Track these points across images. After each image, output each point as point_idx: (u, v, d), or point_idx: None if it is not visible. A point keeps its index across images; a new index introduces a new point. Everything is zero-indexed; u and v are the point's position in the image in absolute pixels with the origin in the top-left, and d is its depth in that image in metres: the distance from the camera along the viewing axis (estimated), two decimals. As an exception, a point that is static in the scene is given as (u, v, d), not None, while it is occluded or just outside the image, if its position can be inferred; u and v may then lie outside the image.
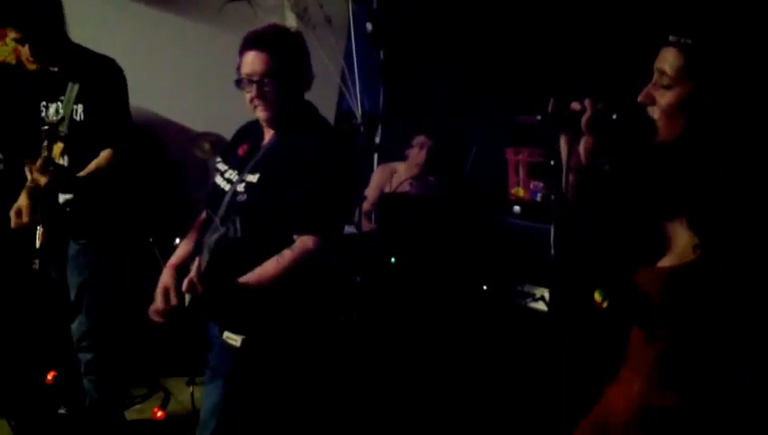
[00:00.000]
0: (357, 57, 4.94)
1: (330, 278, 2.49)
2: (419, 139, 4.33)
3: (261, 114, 2.38)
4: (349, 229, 3.95)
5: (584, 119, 1.61)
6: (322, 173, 2.30)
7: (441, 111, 4.69)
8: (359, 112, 4.85)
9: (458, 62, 4.60)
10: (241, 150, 2.51)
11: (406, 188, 4.25)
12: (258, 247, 2.29)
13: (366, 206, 4.36)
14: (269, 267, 2.26)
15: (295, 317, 2.36)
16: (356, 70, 4.91)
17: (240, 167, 2.42)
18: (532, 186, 3.74)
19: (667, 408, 1.66)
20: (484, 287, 3.57)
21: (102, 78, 3.01)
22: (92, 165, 2.96)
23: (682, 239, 1.62)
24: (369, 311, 3.64)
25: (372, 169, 4.74)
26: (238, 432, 2.45)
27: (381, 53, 4.81)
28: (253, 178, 2.35)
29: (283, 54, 2.34)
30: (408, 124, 4.56)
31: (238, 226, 2.32)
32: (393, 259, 3.78)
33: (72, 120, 2.96)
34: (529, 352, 3.15)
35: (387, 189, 4.36)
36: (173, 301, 2.35)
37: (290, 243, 2.31)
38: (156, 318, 2.38)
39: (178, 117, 4.88)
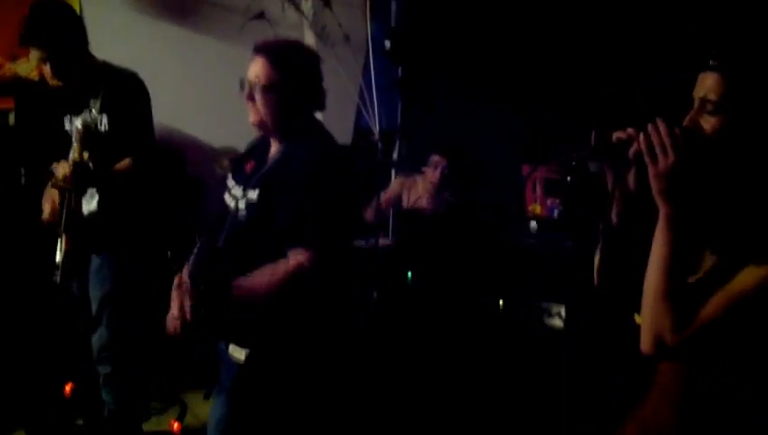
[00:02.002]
0: (375, 74, 4.97)
1: (335, 293, 2.48)
2: (434, 158, 4.35)
3: (251, 118, 2.39)
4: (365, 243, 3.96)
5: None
6: (319, 189, 2.29)
7: (458, 129, 4.70)
8: (376, 129, 4.87)
9: (476, 79, 4.63)
10: (248, 166, 2.52)
11: (422, 204, 4.27)
12: (256, 265, 2.29)
13: (382, 222, 4.37)
14: (261, 276, 2.25)
15: (298, 332, 2.35)
16: (374, 87, 4.93)
17: (245, 183, 2.43)
18: (549, 202, 3.76)
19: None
20: (501, 303, 3.57)
21: (126, 90, 3.06)
22: (114, 167, 3.01)
23: (708, 257, 1.61)
24: (380, 324, 3.64)
25: (389, 186, 4.76)
26: None
27: (399, 70, 4.84)
28: (253, 195, 2.35)
29: (289, 66, 2.35)
30: (425, 141, 4.57)
31: (238, 243, 2.34)
32: (409, 274, 3.79)
33: (96, 128, 3.00)
34: (545, 368, 3.15)
35: (404, 202, 4.37)
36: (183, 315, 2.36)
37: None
38: (170, 327, 2.40)
39: (199, 133, 4.92)
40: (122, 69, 3.11)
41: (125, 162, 3.03)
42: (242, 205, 2.39)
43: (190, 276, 2.24)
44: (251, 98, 2.37)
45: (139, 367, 3.35)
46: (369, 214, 4.27)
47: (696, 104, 1.59)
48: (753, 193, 1.57)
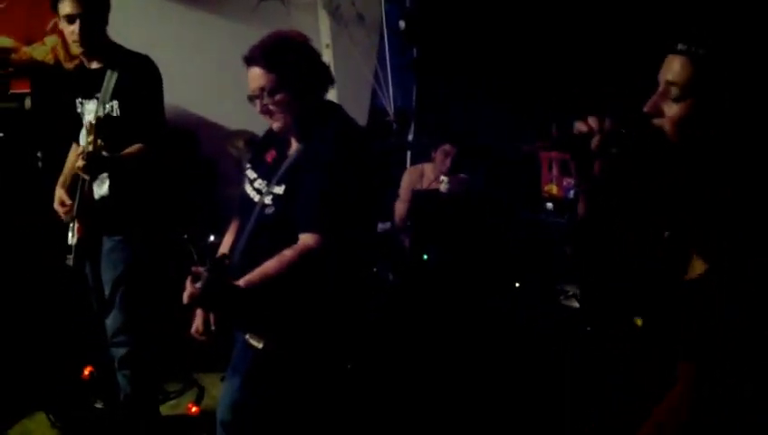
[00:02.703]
0: (390, 54, 4.95)
1: (350, 277, 2.47)
2: (444, 147, 4.33)
3: (275, 126, 2.40)
4: (383, 226, 3.97)
5: (594, 142, 1.53)
6: (330, 173, 2.28)
7: (472, 110, 4.68)
8: (391, 109, 4.85)
9: (490, 60, 4.59)
10: (269, 157, 2.51)
11: (436, 186, 4.26)
12: (268, 247, 2.29)
13: (399, 207, 4.37)
14: (269, 265, 2.24)
15: (313, 317, 2.35)
16: (389, 67, 4.91)
17: (268, 176, 2.43)
18: (565, 183, 3.73)
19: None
20: (517, 284, 3.56)
21: (138, 75, 3.05)
22: (125, 151, 3.00)
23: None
24: (396, 307, 3.64)
25: (405, 166, 4.75)
26: (250, 430, 2.48)
27: (414, 50, 4.82)
28: (279, 190, 2.35)
29: (281, 67, 2.32)
30: (439, 122, 4.56)
31: (266, 240, 2.33)
32: (426, 256, 3.79)
33: (108, 115, 3.00)
34: (561, 350, 3.14)
35: (416, 189, 4.37)
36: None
37: None
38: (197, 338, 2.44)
39: (213, 115, 4.92)
40: (135, 53, 3.10)
41: (136, 148, 3.02)
42: (268, 200, 2.38)
43: (204, 298, 2.24)
44: (265, 111, 2.37)
45: (153, 350, 3.36)
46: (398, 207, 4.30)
47: (661, 88, 1.54)
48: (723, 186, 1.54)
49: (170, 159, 3.23)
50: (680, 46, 1.50)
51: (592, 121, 1.55)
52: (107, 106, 3.01)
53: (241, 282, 2.20)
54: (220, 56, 4.80)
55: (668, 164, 1.56)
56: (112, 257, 3.17)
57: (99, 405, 3.55)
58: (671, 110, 1.51)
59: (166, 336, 3.51)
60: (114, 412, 3.42)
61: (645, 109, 1.54)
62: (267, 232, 2.37)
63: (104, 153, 2.94)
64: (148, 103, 3.07)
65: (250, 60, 2.37)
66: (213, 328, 2.37)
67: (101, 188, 3.10)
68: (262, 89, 2.33)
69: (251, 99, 2.37)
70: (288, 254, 2.24)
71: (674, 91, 1.50)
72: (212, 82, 4.74)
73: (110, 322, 3.22)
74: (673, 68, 1.51)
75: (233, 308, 2.24)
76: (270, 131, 2.58)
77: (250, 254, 2.37)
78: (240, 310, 2.26)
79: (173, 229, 3.41)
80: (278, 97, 2.33)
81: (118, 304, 3.19)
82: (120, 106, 3.02)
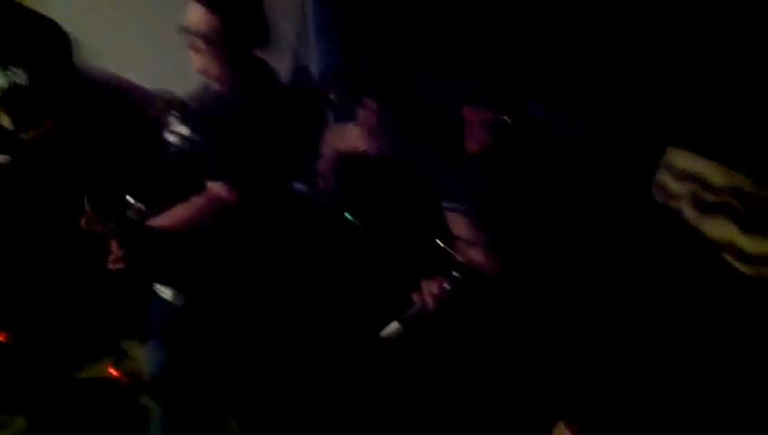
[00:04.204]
0: (313, 13, 4.89)
1: (267, 234, 2.46)
2: (369, 102, 4.31)
3: (196, 65, 2.37)
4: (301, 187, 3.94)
5: None
6: (245, 125, 2.27)
7: (399, 71, 4.66)
8: (315, 70, 4.80)
9: (418, 17, 4.58)
10: (194, 106, 2.51)
11: (359, 146, 4.23)
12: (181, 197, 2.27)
13: (321, 165, 4.33)
14: (177, 210, 2.23)
15: (227, 272, 2.34)
16: (311, 26, 4.85)
17: (185, 121, 2.42)
18: (488, 143, 3.75)
19: None
20: (440, 244, 3.58)
21: (45, 43, 2.94)
22: (34, 132, 2.91)
23: None
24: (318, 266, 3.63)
25: (328, 127, 4.72)
26: (177, 386, 2.47)
27: (336, 9, 4.77)
28: (189, 132, 2.34)
29: (224, 10, 2.30)
30: (363, 82, 4.53)
31: (172, 179, 2.31)
32: (349, 216, 3.77)
33: (15, 85, 2.89)
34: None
35: (340, 149, 4.34)
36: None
37: None
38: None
39: (134, 76, 4.81)
40: (44, 17, 2.98)
41: (45, 126, 2.93)
42: (177, 140, 2.37)
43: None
44: (194, 47, 2.33)
45: (71, 314, 3.30)
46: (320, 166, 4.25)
47: None
48: None
49: (85, 126, 3.14)
50: None
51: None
52: (12, 77, 2.90)
53: (149, 224, 2.18)
54: (142, 15, 4.71)
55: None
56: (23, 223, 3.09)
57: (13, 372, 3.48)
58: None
59: (84, 302, 3.46)
60: (29, 378, 3.36)
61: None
62: (175, 173, 2.36)
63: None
64: (58, 72, 2.96)
65: None
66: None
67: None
68: (197, 25, 2.30)
69: (184, 31, 2.33)
70: (197, 201, 2.23)
71: None
72: (132, 42, 4.63)
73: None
74: None
75: (143, 244, 2.20)
76: (199, 85, 2.56)
77: (159, 192, 2.35)
78: (149, 248, 2.22)
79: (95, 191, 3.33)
80: (211, 37, 2.30)
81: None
82: (27, 76, 2.90)
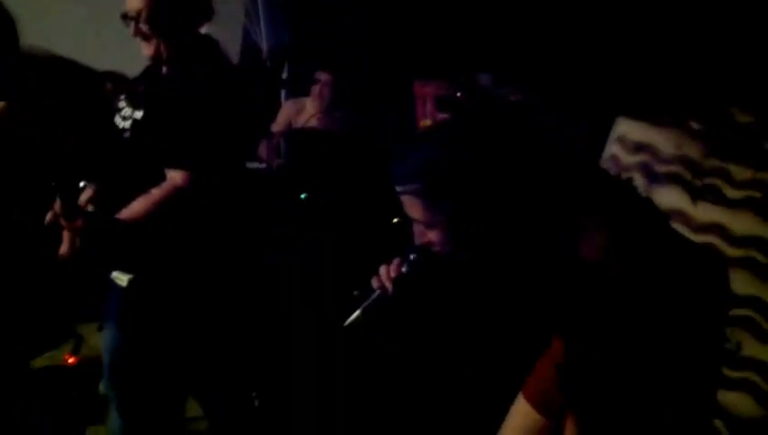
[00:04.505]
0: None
1: (223, 215, 2.45)
2: (321, 75, 4.29)
3: (145, 52, 2.34)
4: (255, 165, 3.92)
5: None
6: (199, 108, 2.25)
7: (348, 46, 4.65)
8: (264, 48, 4.76)
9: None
10: (141, 88, 2.47)
11: (313, 123, 4.22)
12: (138, 185, 2.25)
13: (273, 143, 4.31)
14: (136, 205, 2.21)
15: (182, 255, 2.33)
16: (260, 3, 4.80)
17: (134, 103, 2.39)
18: (439, 118, 3.77)
19: None
20: (395, 220, 3.59)
21: None
22: None
23: None
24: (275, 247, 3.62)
25: (280, 106, 4.69)
26: (129, 372, 2.46)
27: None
28: (138, 114, 2.31)
29: None
30: (314, 59, 4.51)
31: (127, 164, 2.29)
32: (303, 195, 3.77)
33: None
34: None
35: (294, 125, 4.32)
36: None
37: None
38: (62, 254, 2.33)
39: (80, 57, 4.72)
40: None
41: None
42: (127, 124, 2.34)
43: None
44: (138, 33, 2.29)
45: (25, 301, 3.25)
46: (264, 147, 4.22)
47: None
48: None
49: (35, 109, 3.08)
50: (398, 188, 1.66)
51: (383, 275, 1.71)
52: None
53: (109, 221, 2.16)
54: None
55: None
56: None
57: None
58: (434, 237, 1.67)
59: (40, 289, 3.41)
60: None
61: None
62: (126, 156, 2.34)
63: None
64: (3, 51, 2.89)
65: None
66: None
67: None
68: (138, 12, 2.26)
69: (125, 18, 2.30)
70: (156, 193, 2.21)
71: (419, 225, 1.68)
72: (78, 22, 4.55)
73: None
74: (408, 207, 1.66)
75: (99, 233, 2.17)
76: (147, 67, 2.52)
77: (110, 177, 2.34)
78: (106, 244, 2.20)
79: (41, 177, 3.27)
80: (153, 21, 2.26)
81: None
82: None
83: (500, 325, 1.83)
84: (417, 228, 1.71)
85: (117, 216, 2.18)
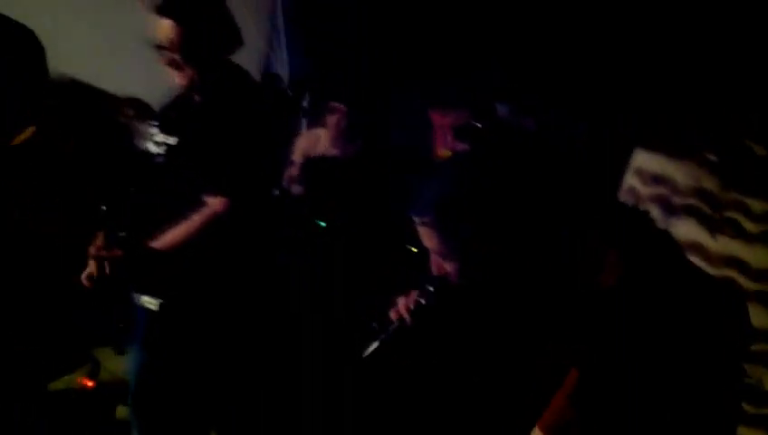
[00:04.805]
0: (283, 18, 4.88)
1: (252, 241, 2.47)
2: (333, 105, 4.32)
3: (178, 81, 2.37)
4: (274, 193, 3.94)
5: None
6: (234, 133, 2.27)
7: (365, 75, 4.68)
8: (286, 76, 4.80)
9: (385, 25, 4.59)
10: (173, 114, 2.50)
11: (331, 151, 4.24)
12: (174, 210, 2.28)
13: (293, 172, 4.34)
14: (178, 232, 2.23)
15: (212, 279, 2.35)
16: (282, 32, 4.85)
17: (167, 130, 2.41)
18: (458, 148, 3.77)
19: None
20: (414, 250, 3.60)
21: (17, 49, 2.92)
22: (19, 139, 2.89)
23: None
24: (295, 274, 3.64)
25: (300, 134, 4.71)
26: (155, 396, 2.47)
27: (308, 16, 4.77)
28: (172, 140, 2.34)
29: (191, 20, 2.30)
30: (333, 88, 4.53)
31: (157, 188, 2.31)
32: (322, 223, 3.78)
33: None
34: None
35: (311, 154, 4.35)
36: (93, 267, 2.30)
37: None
38: (85, 283, 2.35)
39: (101, 82, 4.78)
40: (13, 21, 2.96)
41: (25, 134, 2.91)
42: (161, 150, 2.37)
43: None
44: (170, 63, 2.33)
45: (43, 325, 3.28)
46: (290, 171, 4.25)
47: None
48: None
49: (61, 134, 3.12)
50: None
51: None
52: None
53: (150, 246, 2.18)
54: (110, 20, 4.68)
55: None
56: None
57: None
58: None
59: (59, 312, 3.44)
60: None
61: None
62: (160, 180, 2.36)
63: None
64: (32, 79, 2.94)
65: (158, 9, 2.33)
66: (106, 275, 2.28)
67: None
68: (169, 41, 2.30)
69: (157, 49, 2.34)
70: (196, 219, 2.24)
71: None
72: (100, 48, 4.60)
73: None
74: None
75: (139, 265, 2.20)
76: (178, 94, 2.55)
77: (145, 201, 2.37)
78: (145, 270, 2.23)
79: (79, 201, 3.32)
80: (186, 51, 2.30)
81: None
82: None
83: (516, 353, 1.83)
84: (434, 259, 1.71)
85: (157, 242, 2.21)
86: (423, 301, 1.80)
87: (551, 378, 1.81)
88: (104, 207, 2.18)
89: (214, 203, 2.26)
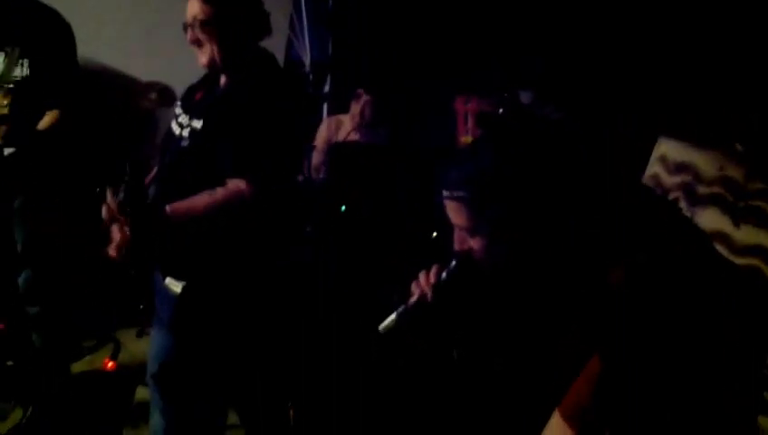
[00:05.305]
0: (306, 3, 4.88)
1: (275, 227, 2.47)
2: (358, 92, 4.33)
3: (200, 60, 2.37)
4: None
5: None
6: (262, 119, 2.27)
7: (390, 60, 4.67)
8: (308, 61, 4.79)
9: (409, 12, 4.58)
10: (198, 96, 2.50)
11: (354, 137, 4.25)
12: (194, 193, 2.26)
13: (315, 158, 4.35)
14: (199, 199, 2.21)
15: (236, 264, 2.35)
16: (305, 17, 4.84)
17: (191, 112, 2.41)
18: (480, 135, 3.77)
19: None
20: (434, 234, 3.60)
21: (48, 33, 2.94)
22: (41, 124, 2.92)
23: None
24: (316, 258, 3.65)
25: (321, 119, 4.72)
26: (180, 380, 2.48)
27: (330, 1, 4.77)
28: (197, 124, 2.33)
29: (220, 2, 2.31)
30: (354, 73, 4.54)
31: (178, 169, 2.31)
32: (343, 208, 3.79)
33: (23, 76, 2.90)
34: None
35: (334, 140, 4.35)
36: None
37: None
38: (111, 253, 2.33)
39: (124, 67, 4.79)
40: (44, 6, 2.98)
41: (49, 118, 2.93)
42: (186, 133, 2.37)
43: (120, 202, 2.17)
44: (195, 41, 2.34)
45: (67, 307, 3.31)
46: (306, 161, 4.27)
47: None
48: None
49: (84, 119, 3.14)
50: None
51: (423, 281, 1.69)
52: (13, 64, 2.90)
53: (167, 207, 2.17)
54: (132, 7, 4.70)
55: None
56: (24, 215, 3.09)
57: (10, 363, 3.49)
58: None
59: (80, 293, 3.47)
60: (25, 370, 3.37)
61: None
62: (183, 164, 2.35)
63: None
64: (61, 63, 2.96)
65: None
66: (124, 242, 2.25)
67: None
68: (195, 18, 2.31)
69: (185, 27, 2.34)
70: (220, 192, 2.22)
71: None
72: (123, 34, 4.62)
73: (23, 279, 3.16)
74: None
75: (154, 225, 2.18)
76: (205, 75, 2.55)
77: (166, 184, 2.36)
78: (160, 231, 2.20)
79: (86, 185, 3.33)
80: (209, 29, 2.30)
81: (29, 261, 3.13)
82: (30, 65, 2.91)
83: (537, 337, 1.83)
84: (458, 235, 1.71)
85: (175, 205, 2.19)
86: (446, 276, 1.80)
87: (571, 363, 1.81)
88: (127, 170, 2.15)
89: (238, 184, 2.26)
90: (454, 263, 1.78)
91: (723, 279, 1.64)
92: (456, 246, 1.71)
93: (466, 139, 3.74)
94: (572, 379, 1.82)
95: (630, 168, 2.66)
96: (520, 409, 1.97)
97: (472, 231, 1.66)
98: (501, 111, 3.47)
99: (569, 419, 1.83)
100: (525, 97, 3.73)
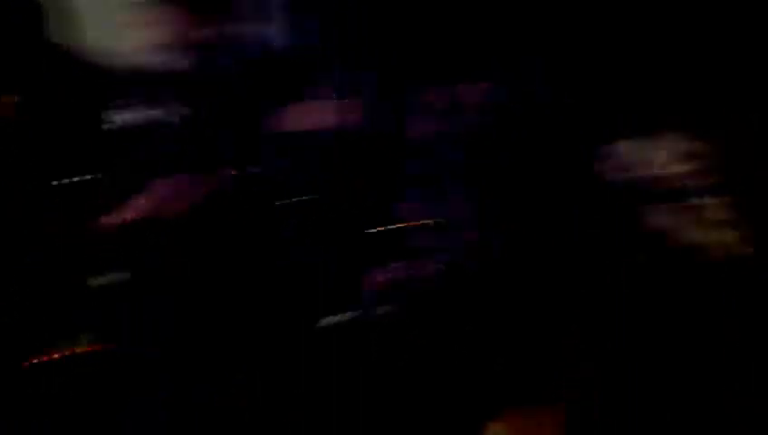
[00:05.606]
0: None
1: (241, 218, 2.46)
2: (336, 78, 4.34)
3: (167, 39, 2.35)
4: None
5: None
6: (229, 105, 2.26)
7: (384, 44, 4.67)
8: (291, 44, 4.78)
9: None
10: (162, 81, 2.49)
11: (328, 125, 4.25)
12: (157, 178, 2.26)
13: (285, 146, 4.34)
14: (180, 192, 2.21)
15: (210, 255, 2.34)
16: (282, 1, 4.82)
17: (153, 98, 2.40)
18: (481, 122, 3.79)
19: None
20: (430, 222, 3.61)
21: (13, 8, 2.89)
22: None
23: None
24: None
25: (297, 107, 4.71)
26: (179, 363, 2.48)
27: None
28: (158, 110, 2.33)
29: None
30: (344, 57, 4.53)
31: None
32: (313, 198, 3.80)
33: None
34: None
35: (308, 128, 4.36)
36: None
37: None
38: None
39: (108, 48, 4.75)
40: None
41: (7, 102, 2.88)
42: (167, 116, 2.35)
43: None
44: (166, 17, 2.32)
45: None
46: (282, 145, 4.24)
47: None
48: None
49: (54, 102, 3.09)
50: None
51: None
52: None
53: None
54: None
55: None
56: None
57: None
58: None
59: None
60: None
61: None
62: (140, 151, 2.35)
63: None
64: (29, 45, 2.91)
65: None
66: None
67: None
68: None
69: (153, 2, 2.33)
70: (199, 181, 2.22)
71: None
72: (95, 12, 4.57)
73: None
74: None
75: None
76: (166, 62, 2.53)
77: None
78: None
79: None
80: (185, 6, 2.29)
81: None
82: None
83: (536, 335, 1.84)
84: (453, 227, 1.72)
85: (156, 196, 2.17)
86: (437, 271, 1.81)
87: (571, 363, 1.83)
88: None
89: (221, 172, 2.25)
90: (445, 256, 1.79)
91: (723, 279, 1.66)
92: (451, 240, 1.72)
93: (467, 126, 3.73)
94: (573, 379, 1.84)
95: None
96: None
97: (469, 223, 1.66)
98: (503, 97, 3.48)
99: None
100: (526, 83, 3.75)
